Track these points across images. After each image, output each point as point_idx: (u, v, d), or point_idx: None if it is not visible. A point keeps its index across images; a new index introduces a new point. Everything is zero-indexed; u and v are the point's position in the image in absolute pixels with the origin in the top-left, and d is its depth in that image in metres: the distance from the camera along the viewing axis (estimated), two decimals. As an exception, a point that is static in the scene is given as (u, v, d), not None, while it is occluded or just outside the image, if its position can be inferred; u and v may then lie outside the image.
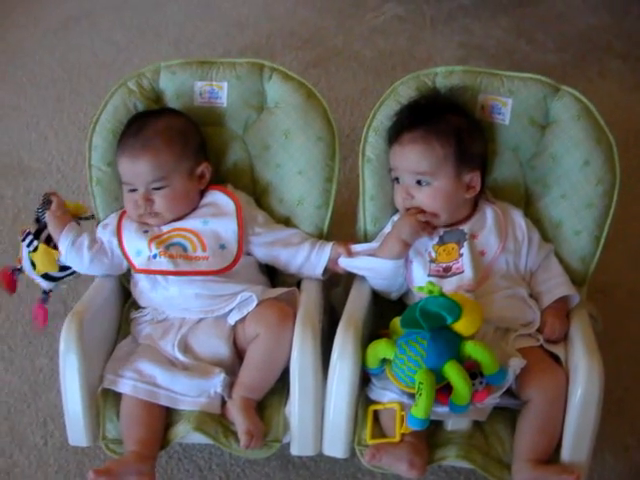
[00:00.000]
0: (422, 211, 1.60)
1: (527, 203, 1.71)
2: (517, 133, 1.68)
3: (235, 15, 2.89)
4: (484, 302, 1.51)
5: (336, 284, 1.77)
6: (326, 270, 1.68)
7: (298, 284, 1.69)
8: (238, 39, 2.76)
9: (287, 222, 1.74)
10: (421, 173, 1.59)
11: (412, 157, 1.59)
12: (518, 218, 1.65)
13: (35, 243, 1.70)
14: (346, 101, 2.49)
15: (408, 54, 2.66)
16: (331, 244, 1.68)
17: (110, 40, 2.82)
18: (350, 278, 1.70)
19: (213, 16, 2.90)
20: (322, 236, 1.73)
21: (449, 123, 1.60)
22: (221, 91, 1.74)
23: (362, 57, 2.68)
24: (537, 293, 1.62)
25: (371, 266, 1.63)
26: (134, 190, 1.64)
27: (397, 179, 1.64)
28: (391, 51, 2.69)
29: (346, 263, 1.66)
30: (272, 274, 1.75)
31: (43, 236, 1.73)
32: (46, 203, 1.74)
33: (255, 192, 1.77)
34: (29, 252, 1.71)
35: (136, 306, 1.71)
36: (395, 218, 1.68)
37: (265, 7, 2.91)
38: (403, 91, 1.69)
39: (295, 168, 1.71)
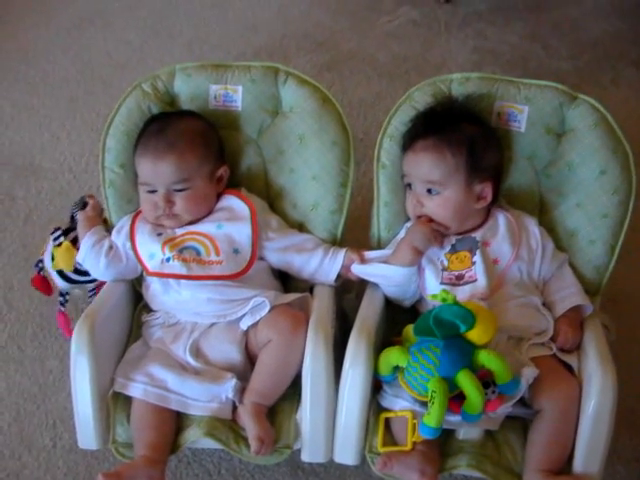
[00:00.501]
0: (431, 220, 1.60)
1: (542, 211, 1.71)
2: (533, 141, 1.67)
3: (249, 17, 2.89)
4: (497, 310, 1.51)
5: (349, 291, 1.77)
6: (339, 276, 1.67)
7: (310, 290, 1.69)
8: (252, 41, 2.76)
9: (301, 227, 1.73)
10: (432, 182, 1.59)
11: (424, 165, 1.59)
12: (532, 227, 1.65)
13: (61, 239, 1.76)
14: (360, 105, 2.48)
15: (422, 58, 2.65)
16: (344, 250, 1.67)
17: (124, 40, 2.82)
18: (363, 285, 1.69)
19: (227, 18, 2.90)
20: (336, 241, 1.73)
21: (463, 132, 1.60)
22: (236, 95, 1.73)
23: (376, 61, 2.67)
24: (550, 302, 1.61)
25: (384, 273, 1.62)
26: (153, 191, 1.64)
27: (409, 185, 1.64)
28: (405, 55, 2.68)
29: (359, 270, 1.65)
30: (285, 279, 1.74)
31: (71, 235, 1.77)
32: (82, 204, 1.77)
33: (269, 196, 1.77)
34: (54, 246, 1.77)
35: (148, 309, 1.70)
36: (409, 225, 1.67)
37: (279, 9, 2.91)
38: (418, 97, 1.68)
39: (309, 173, 1.70)
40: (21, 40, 2.87)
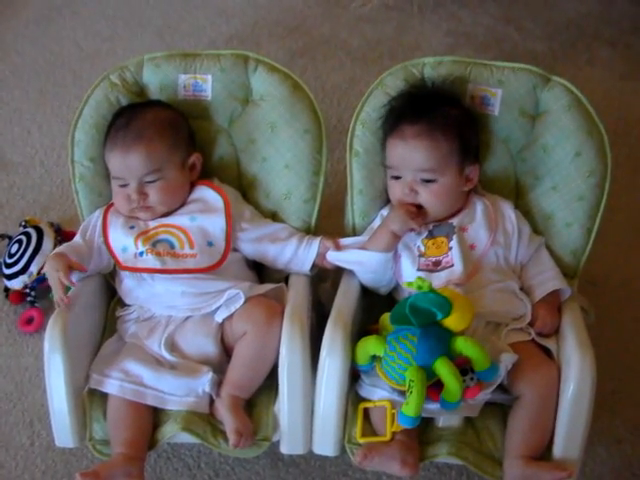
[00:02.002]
0: (419, 207, 1.58)
1: (518, 195, 1.70)
2: (507, 124, 1.67)
3: (220, 4, 2.85)
4: (474, 296, 1.51)
5: (324, 280, 1.76)
6: (314, 265, 1.66)
7: (286, 280, 1.67)
8: (223, 29, 2.72)
9: (274, 216, 1.72)
10: (427, 170, 1.56)
11: (418, 153, 1.56)
12: (508, 210, 1.64)
13: None
14: (333, 91, 2.46)
15: (396, 42, 2.63)
16: (319, 239, 1.66)
17: (93, 30, 2.77)
18: (338, 273, 1.68)
19: (198, 5, 2.85)
20: (310, 230, 1.71)
21: (450, 116, 1.58)
22: (205, 84, 1.71)
23: (349, 46, 2.64)
24: (528, 287, 1.61)
25: (360, 259, 1.61)
26: (126, 185, 1.61)
27: (397, 177, 1.60)
28: (378, 39, 2.65)
29: (334, 257, 1.63)
30: (259, 269, 1.73)
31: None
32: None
33: (241, 186, 1.75)
34: None
35: (122, 304, 1.68)
36: (384, 212, 1.66)
37: (249, -6, 2.88)
38: (391, 82, 1.67)
39: (282, 162, 1.69)
40: (-12, 34, 2.83)
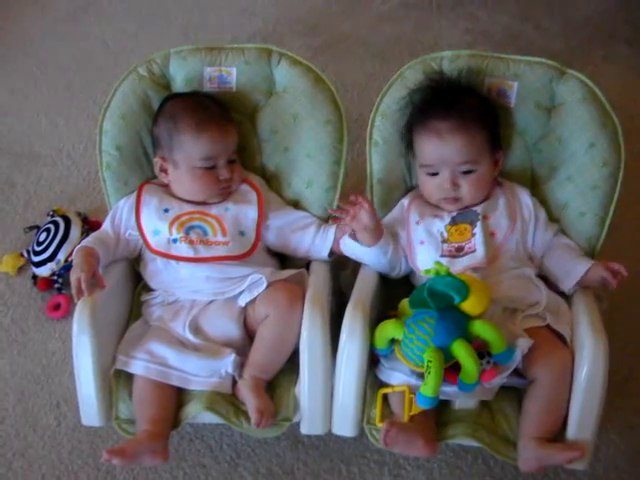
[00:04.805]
0: (457, 200, 1.62)
1: (533, 185, 1.73)
2: (524, 116, 1.70)
3: (243, 3, 2.90)
4: (492, 282, 1.53)
5: (344, 267, 1.79)
6: (332, 252, 1.70)
7: (307, 266, 1.71)
8: (246, 26, 2.77)
9: (296, 205, 1.76)
10: (467, 162, 1.60)
11: (456, 148, 1.59)
12: (525, 197, 1.67)
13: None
14: (353, 87, 2.50)
15: (415, 40, 2.67)
16: (335, 226, 1.69)
17: (119, 28, 2.83)
18: (358, 261, 1.71)
19: (222, 3, 2.90)
20: (330, 218, 1.74)
21: (476, 106, 1.63)
22: (230, 76, 1.75)
23: (369, 43, 2.68)
24: (563, 270, 1.62)
25: (353, 252, 1.65)
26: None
27: (433, 174, 1.63)
28: (398, 37, 2.69)
29: (343, 246, 1.66)
30: (282, 256, 1.77)
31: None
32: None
33: (264, 175, 1.79)
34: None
35: (147, 289, 1.72)
36: (405, 202, 1.70)
37: (272, -8, 2.93)
38: (410, 75, 1.71)
39: (303, 151, 1.73)
40: (18, 30, 2.89)
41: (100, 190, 1.79)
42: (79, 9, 2.92)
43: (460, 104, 1.62)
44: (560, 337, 1.54)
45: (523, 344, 1.47)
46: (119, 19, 2.88)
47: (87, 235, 1.94)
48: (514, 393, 1.55)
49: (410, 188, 1.76)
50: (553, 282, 1.64)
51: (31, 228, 2.14)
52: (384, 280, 1.69)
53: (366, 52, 2.64)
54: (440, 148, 1.61)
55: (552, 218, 1.69)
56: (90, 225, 2.07)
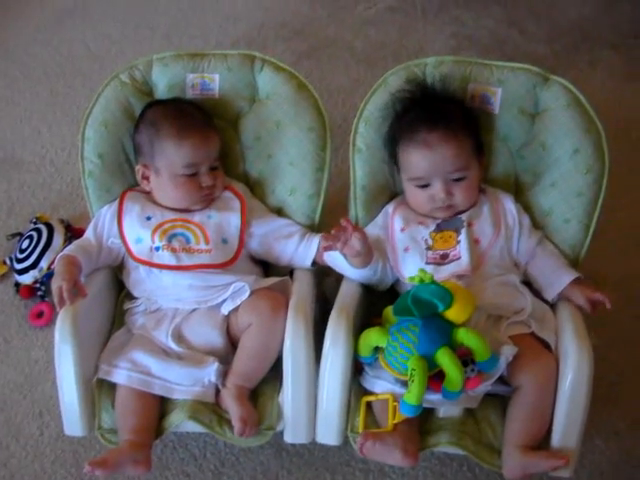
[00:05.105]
0: (450, 207, 1.62)
1: (517, 192, 1.73)
2: (507, 122, 1.69)
3: (227, 7, 2.89)
4: (477, 289, 1.53)
5: (328, 274, 1.77)
6: (314, 262, 1.69)
7: (291, 273, 1.70)
8: (230, 31, 2.76)
9: (279, 212, 1.75)
10: (458, 170, 1.60)
11: (448, 158, 1.59)
12: (509, 204, 1.67)
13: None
14: (338, 92, 2.49)
15: (399, 45, 2.66)
16: (319, 236, 1.68)
17: (103, 33, 2.81)
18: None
19: (205, 8, 2.89)
20: (314, 226, 1.74)
21: (460, 115, 1.63)
22: (213, 83, 1.74)
23: (354, 48, 2.68)
24: (545, 280, 1.62)
25: (341, 268, 1.64)
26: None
27: (424, 185, 1.62)
28: (383, 42, 2.68)
29: (326, 257, 1.65)
30: (265, 264, 1.76)
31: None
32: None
33: (247, 183, 1.78)
34: None
35: (129, 297, 1.71)
36: (390, 209, 1.69)
37: (257, -2, 2.93)
38: (393, 81, 1.70)
39: (286, 159, 1.72)
40: (1, 34, 2.87)
41: (83, 197, 1.78)
42: (63, 13, 2.90)
43: (445, 112, 1.62)
44: (545, 344, 1.53)
45: (507, 352, 1.46)
46: (103, 25, 2.86)
47: (70, 243, 1.94)
48: (499, 400, 1.54)
49: (394, 194, 1.75)
50: (537, 290, 1.63)
51: (14, 235, 2.12)
52: (367, 287, 1.67)
53: (351, 57, 2.64)
54: (431, 159, 1.60)
55: (536, 225, 1.69)
56: (73, 232, 2.06)
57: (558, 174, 1.66)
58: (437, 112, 1.62)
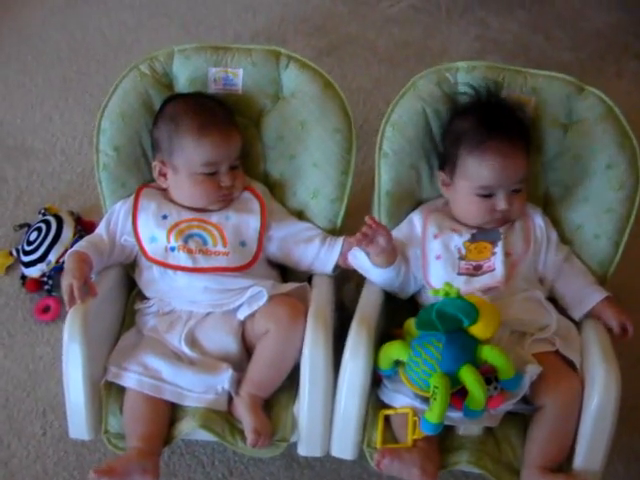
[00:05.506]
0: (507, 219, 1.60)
1: (546, 204, 1.69)
2: (540, 132, 1.65)
3: (247, -1, 2.83)
4: (503, 304, 1.49)
5: (348, 280, 1.74)
6: (337, 266, 1.64)
7: (309, 279, 1.66)
8: (250, 23, 2.69)
9: (300, 215, 1.71)
10: (521, 181, 1.58)
11: (516, 168, 1.56)
12: (537, 218, 1.64)
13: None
14: (359, 91, 2.43)
15: (423, 45, 2.60)
16: (342, 239, 1.64)
17: (118, 20, 2.74)
18: (362, 274, 1.65)
19: (224, -1, 2.84)
20: (335, 230, 1.70)
21: (521, 123, 1.61)
22: (236, 78, 1.69)
23: (376, 47, 2.62)
24: (575, 297, 1.60)
25: (364, 268, 1.60)
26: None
27: (487, 195, 1.57)
28: (406, 41, 2.62)
29: (351, 259, 1.61)
30: (283, 268, 1.71)
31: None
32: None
33: (267, 183, 1.73)
34: None
35: (141, 297, 1.66)
36: (416, 216, 1.64)
37: (277, -10, 2.85)
38: (423, 85, 1.66)
39: (310, 160, 1.67)
40: (14, 18, 2.78)
41: (94, 189, 1.73)
42: (72, 1, 2.82)
43: (515, 121, 1.59)
44: (569, 363, 1.50)
45: (532, 371, 1.43)
46: (118, 11, 2.78)
47: (80, 236, 1.92)
48: (520, 420, 1.50)
49: (419, 201, 1.70)
50: (563, 308, 1.60)
51: (21, 226, 2.06)
52: (387, 295, 1.63)
53: (373, 56, 2.57)
54: (502, 169, 1.55)
55: (564, 239, 1.65)
56: (83, 225, 2.00)
57: (590, 188, 1.63)
58: (509, 120, 1.58)
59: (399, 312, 1.61)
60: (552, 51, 2.61)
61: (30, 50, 2.65)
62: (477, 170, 1.56)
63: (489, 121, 1.57)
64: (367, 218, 1.50)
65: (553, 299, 1.61)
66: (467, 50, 2.56)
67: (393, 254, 1.54)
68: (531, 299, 1.56)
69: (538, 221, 1.63)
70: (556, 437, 1.44)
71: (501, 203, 1.56)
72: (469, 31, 2.66)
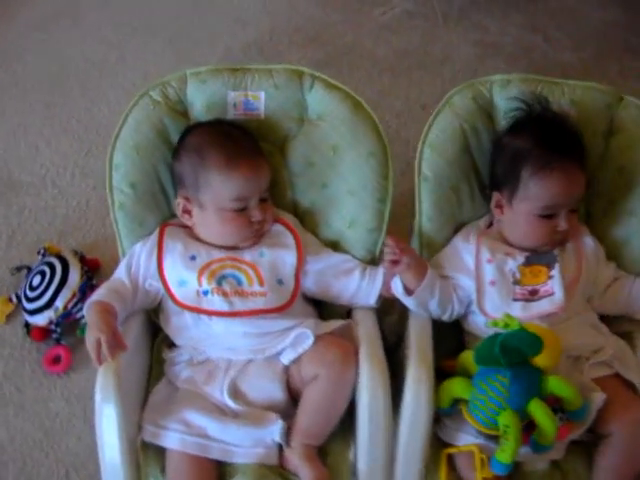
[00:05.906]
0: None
1: (588, 218, 1.63)
2: (581, 145, 1.59)
3: (232, 9, 2.70)
4: (560, 329, 1.43)
5: (389, 313, 1.64)
6: (380, 297, 1.56)
7: (347, 313, 1.57)
8: (239, 36, 2.58)
9: (335, 246, 1.61)
10: (579, 201, 1.53)
11: (578, 188, 1.51)
12: (586, 237, 1.59)
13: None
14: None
15: (423, 52, 2.53)
16: (381, 268, 1.55)
17: (98, 37, 2.59)
18: (404, 306, 1.55)
19: (208, 11, 2.70)
20: (375, 260, 1.60)
21: (576, 140, 1.54)
22: (257, 102, 1.58)
23: (375, 56, 2.53)
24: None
25: (401, 295, 1.51)
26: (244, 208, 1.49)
27: (549, 215, 1.51)
28: (405, 49, 2.54)
29: (394, 289, 1.53)
30: (317, 302, 1.61)
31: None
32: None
33: (296, 213, 1.63)
34: None
35: (167, 343, 1.55)
36: (460, 244, 1.56)
37: (265, 1, 2.73)
38: (459, 101, 1.58)
39: (345, 187, 1.58)
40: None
41: (93, 223, 1.63)
42: (56, 16, 2.67)
43: (571, 137, 1.52)
44: (628, 384, 1.45)
45: (597, 399, 1.38)
46: (98, 27, 2.64)
47: (88, 278, 1.79)
48: (584, 449, 1.44)
49: (460, 224, 1.62)
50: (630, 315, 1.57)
51: (19, 269, 1.92)
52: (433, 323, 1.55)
53: (373, 66, 2.49)
54: (568, 188, 1.49)
55: (609, 255, 1.59)
56: (89, 265, 1.87)
57: (635, 201, 1.57)
58: (568, 136, 1.52)
59: (444, 340, 1.53)
60: (553, 52, 2.57)
61: (7, 73, 2.51)
62: (542, 191, 1.49)
63: (551, 139, 1.50)
64: (387, 240, 1.46)
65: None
66: (468, 55, 2.51)
67: (421, 265, 1.48)
68: (585, 322, 1.52)
69: (587, 240, 1.58)
70: (626, 466, 1.39)
71: (562, 223, 1.50)
72: (467, 36, 2.60)
